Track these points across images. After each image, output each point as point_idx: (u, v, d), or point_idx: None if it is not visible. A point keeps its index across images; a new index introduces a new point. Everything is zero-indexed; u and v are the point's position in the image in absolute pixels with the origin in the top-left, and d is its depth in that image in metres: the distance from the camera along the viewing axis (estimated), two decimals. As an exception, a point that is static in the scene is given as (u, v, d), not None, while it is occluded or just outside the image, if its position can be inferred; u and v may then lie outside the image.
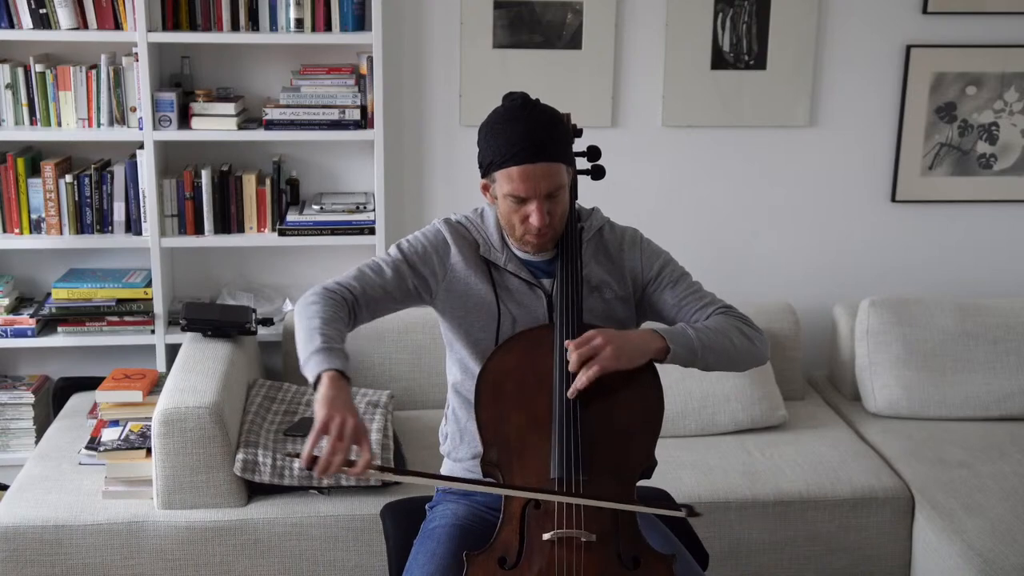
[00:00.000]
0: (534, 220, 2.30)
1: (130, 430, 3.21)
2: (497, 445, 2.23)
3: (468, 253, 2.42)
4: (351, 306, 2.33)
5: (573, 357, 2.20)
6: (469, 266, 2.41)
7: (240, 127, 3.71)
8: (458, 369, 2.47)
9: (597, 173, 2.53)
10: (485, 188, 2.38)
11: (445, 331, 2.49)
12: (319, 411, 2.07)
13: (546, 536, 2.16)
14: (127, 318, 3.76)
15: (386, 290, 2.37)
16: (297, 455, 2.08)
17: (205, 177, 3.73)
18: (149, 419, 3.13)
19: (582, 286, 2.35)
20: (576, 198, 2.46)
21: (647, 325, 2.40)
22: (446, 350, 2.53)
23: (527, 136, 2.26)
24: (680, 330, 2.32)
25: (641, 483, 2.29)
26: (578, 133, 2.47)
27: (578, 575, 2.15)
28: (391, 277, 2.37)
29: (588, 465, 2.19)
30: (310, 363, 2.16)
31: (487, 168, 2.32)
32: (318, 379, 2.13)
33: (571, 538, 2.16)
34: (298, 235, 3.77)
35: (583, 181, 2.52)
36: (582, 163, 2.50)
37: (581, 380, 2.19)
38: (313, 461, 2.05)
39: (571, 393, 2.21)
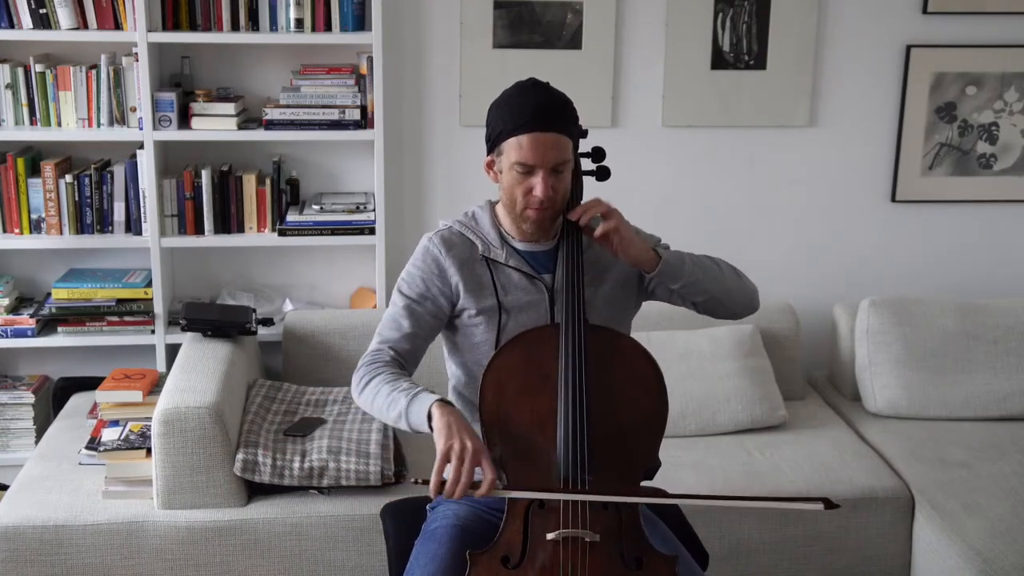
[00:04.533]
0: (538, 191, 2.31)
1: (130, 430, 3.20)
2: (502, 444, 2.23)
3: (465, 257, 2.42)
4: (399, 363, 2.37)
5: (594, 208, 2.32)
6: (467, 270, 2.41)
7: (240, 127, 3.71)
8: (462, 372, 2.47)
9: (602, 174, 2.53)
10: (489, 166, 2.40)
11: (446, 336, 2.49)
12: (439, 441, 2.13)
13: (550, 536, 2.17)
14: (127, 318, 3.76)
15: (412, 337, 2.40)
16: (425, 482, 2.14)
17: (205, 177, 3.73)
18: (149, 419, 3.13)
19: (583, 277, 2.35)
20: (581, 198, 2.46)
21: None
22: (445, 353, 2.54)
23: (538, 106, 2.31)
24: (672, 250, 2.42)
25: (643, 483, 2.30)
26: (583, 134, 2.48)
27: (581, 575, 2.15)
28: (409, 324, 2.40)
29: (594, 465, 2.19)
30: (411, 412, 2.21)
31: (496, 139, 2.34)
32: (428, 417, 2.17)
33: (575, 538, 2.16)
34: (298, 235, 3.77)
35: (588, 182, 2.51)
36: (587, 164, 2.50)
37: (599, 231, 2.30)
38: (441, 487, 2.11)
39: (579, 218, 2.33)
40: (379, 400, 2.28)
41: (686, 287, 2.39)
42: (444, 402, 2.20)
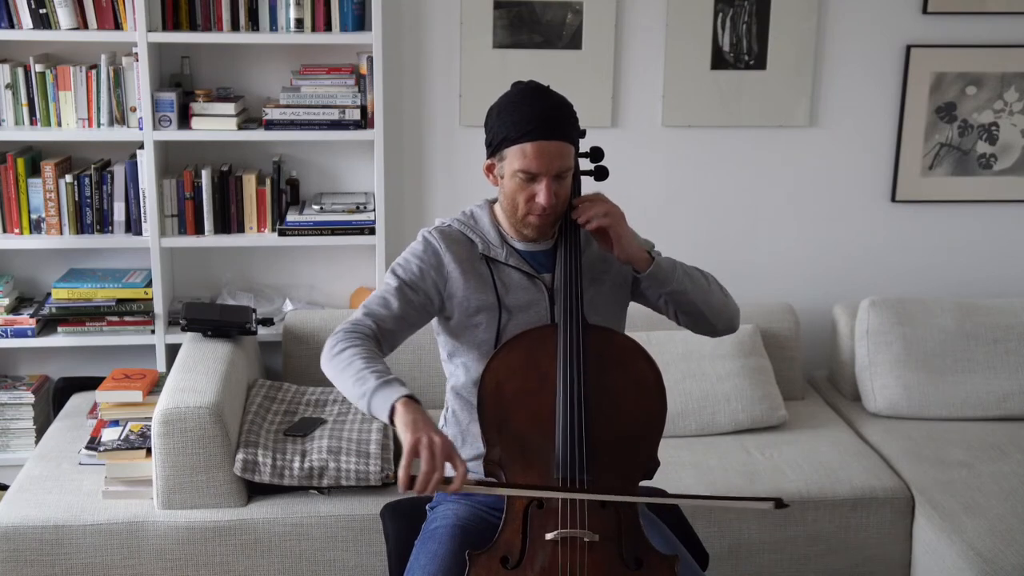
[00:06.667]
0: (541, 199, 2.30)
1: (130, 430, 3.20)
2: (500, 445, 2.23)
3: (464, 255, 2.42)
4: (376, 339, 2.32)
5: (598, 209, 2.31)
6: (466, 268, 2.41)
7: (240, 127, 3.71)
8: (462, 372, 2.46)
9: (601, 174, 2.53)
10: (489, 169, 2.39)
11: (446, 338, 2.48)
12: (406, 436, 2.08)
13: (549, 536, 2.17)
14: (127, 318, 3.76)
15: (398, 319, 2.36)
16: (394, 480, 2.12)
17: (205, 177, 3.73)
18: (149, 419, 3.13)
19: (582, 277, 2.36)
20: (579, 195, 2.46)
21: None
22: (443, 355, 2.53)
23: (542, 114, 2.29)
24: (665, 256, 2.43)
25: (642, 483, 2.30)
26: (582, 134, 2.48)
27: (581, 575, 2.15)
28: (398, 306, 2.36)
29: (592, 465, 2.19)
30: (376, 399, 2.15)
31: (498, 145, 2.33)
32: (391, 411, 2.13)
33: (574, 538, 2.16)
34: (298, 235, 3.77)
35: (587, 182, 2.51)
36: (585, 164, 2.50)
37: (595, 224, 2.31)
38: (411, 482, 2.06)
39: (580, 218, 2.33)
40: (348, 372, 2.21)
41: (674, 294, 2.39)
42: (411, 398, 2.15)
